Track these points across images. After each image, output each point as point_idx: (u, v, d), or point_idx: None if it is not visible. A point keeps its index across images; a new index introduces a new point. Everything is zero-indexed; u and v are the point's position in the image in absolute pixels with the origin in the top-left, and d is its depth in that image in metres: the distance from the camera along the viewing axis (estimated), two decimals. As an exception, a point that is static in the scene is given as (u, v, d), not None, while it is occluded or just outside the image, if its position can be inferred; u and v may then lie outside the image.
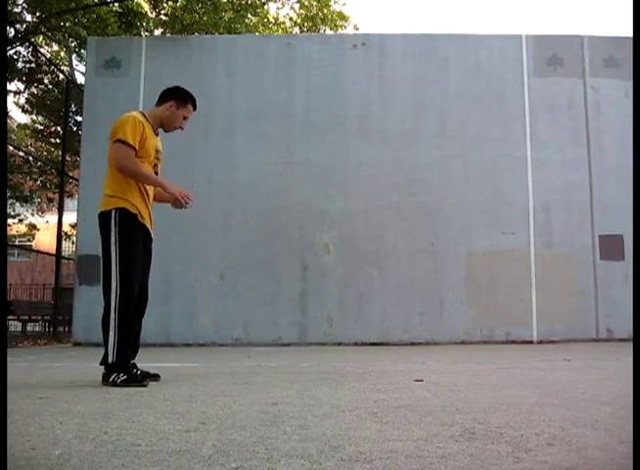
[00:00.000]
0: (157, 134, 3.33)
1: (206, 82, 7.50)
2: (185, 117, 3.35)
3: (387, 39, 7.73)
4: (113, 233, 3.05)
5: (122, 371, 2.96)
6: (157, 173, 3.29)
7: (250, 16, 13.14)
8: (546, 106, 7.45)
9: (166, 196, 3.26)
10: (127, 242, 3.06)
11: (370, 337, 7.02)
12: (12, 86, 13.22)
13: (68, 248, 14.99)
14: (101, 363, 3.02)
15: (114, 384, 2.92)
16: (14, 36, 11.08)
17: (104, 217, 3.10)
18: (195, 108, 3.39)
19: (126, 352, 3.02)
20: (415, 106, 7.52)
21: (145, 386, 2.91)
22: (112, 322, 2.99)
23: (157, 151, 3.28)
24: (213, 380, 3.25)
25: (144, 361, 3.40)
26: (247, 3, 12.63)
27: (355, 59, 7.61)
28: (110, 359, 2.97)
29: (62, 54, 15.32)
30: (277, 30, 15.64)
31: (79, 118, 11.90)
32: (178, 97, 3.32)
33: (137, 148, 3.07)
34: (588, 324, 7.08)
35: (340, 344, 6.99)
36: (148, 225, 3.21)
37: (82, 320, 6.98)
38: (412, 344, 6.97)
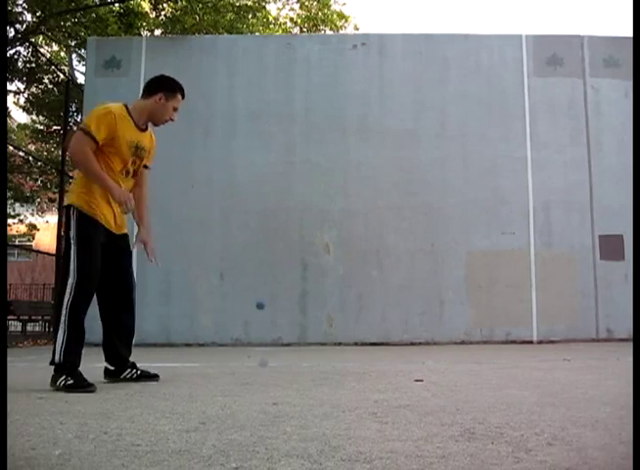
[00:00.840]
0: (144, 129, 3.14)
1: (206, 82, 7.50)
2: (175, 109, 3.17)
3: (387, 39, 7.73)
4: (72, 229, 2.90)
5: (69, 374, 2.78)
6: (135, 171, 3.14)
7: (250, 18, 13.13)
8: (546, 106, 7.44)
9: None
10: (86, 240, 2.91)
11: (370, 337, 7.02)
12: (12, 86, 13.23)
13: (67, 248, 14.96)
14: (50, 363, 2.85)
15: (58, 388, 2.75)
16: (14, 36, 11.08)
17: (65, 211, 3.01)
18: (184, 96, 3.21)
19: (75, 353, 2.85)
20: (415, 106, 7.51)
21: (92, 391, 2.71)
22: (62, 320, 2.84)
23: (138, 147, 3.07)
24: (213, 380, 3.25)
25: (144, 361, 3.40)
26: (247, 5, 12.64)
27: (355, 59, 7.61)
28: (56, 359, 2.80)
29: (62, 54, 15.32)
30: (277, 31, 15.64)
31: (80, 118, 11.90)
32: (166, 88, 3.13)
33: (99, 139, 2.89)
34: (588, 324, 7.07)
35: (340, 344, 6.99)
36: (108, 221, 3.01)
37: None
38: (412, 344, 6.97)
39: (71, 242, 2.91)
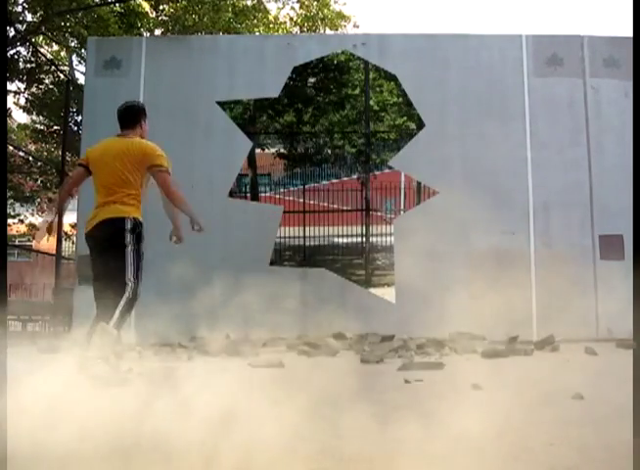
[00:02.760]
0: None
1: (206, 82, 7.50)
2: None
3: (387, 39, 7.73)
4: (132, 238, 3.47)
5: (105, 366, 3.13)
6: None
7: (250, 19, 13.13)
8: (546, 106, 7.44)
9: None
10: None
11: (370, 337, 7.00)
12: (12, 86, 13.22)
13: (68, 248, 14.97)
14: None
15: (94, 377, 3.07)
16: (14, 36, 11.07)
17: (120, 222, 3.48)
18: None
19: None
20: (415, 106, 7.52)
21: (125, 381, 3.05)
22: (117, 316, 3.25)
23: None
24: (213, 379, 3.25)
25: (144, 361, 3.40)
26: (247, 6, 12.64)
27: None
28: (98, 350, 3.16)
29: (62, 54, 15.31)
30: (277, 30, 15.62)
31: (80, 118, 11.89)
32: (145, 113, 3.91)
33: None
34: (588, 324, 7.07)
35: (340, 344, 6.98)
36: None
37: (82, 320, 6.96)
38: (412, 344, 6.95)
39: (131, 249, 3.46)
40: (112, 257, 3.40)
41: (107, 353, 3.16)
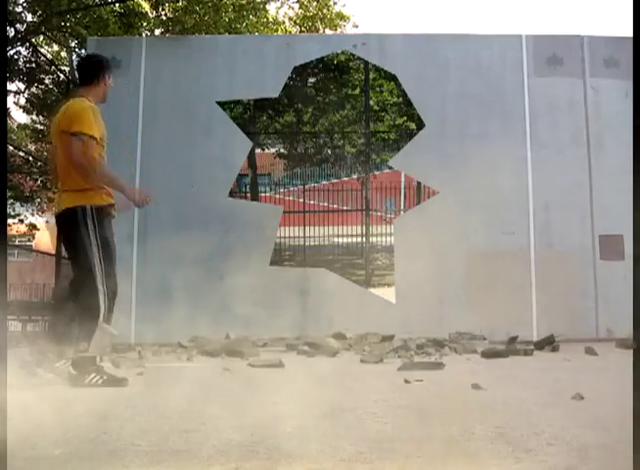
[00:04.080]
0: None
1: (206, 82, 7.50)
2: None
3: (387, 39, 7.73)
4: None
5: (100, 373, 3.00)
6: None
7: (250, 16, 13.12)
8: (546, 106, 7.44)
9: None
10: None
11: (370, 337, 7.00)
12: (12, 86, 13.22)
13: (67, 248, 14.93)
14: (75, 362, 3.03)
15: (90, 385, 2.94)
16: (14, 36, 11.07)
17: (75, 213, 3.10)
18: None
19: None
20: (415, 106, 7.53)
21: (125, 385, 2.94)
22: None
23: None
24: (213, 380, 3.25)
25: (144, 361, 3.40)
26: (247, 3, 12.62)
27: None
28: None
29: (62, 54, 15.31)
30: (277, 30, 15.63)
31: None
32: (108, 67, 3.34)
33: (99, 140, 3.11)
34: (588, 324, 7.07)
35: (340, 344, 6.98)
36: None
37: (82, 320, 6.97)
38: (412, 344, 6.95)
39: (96, 250, 3.03)
40: (76, 257, 3.09)
41: (103, 354, 3.15)
